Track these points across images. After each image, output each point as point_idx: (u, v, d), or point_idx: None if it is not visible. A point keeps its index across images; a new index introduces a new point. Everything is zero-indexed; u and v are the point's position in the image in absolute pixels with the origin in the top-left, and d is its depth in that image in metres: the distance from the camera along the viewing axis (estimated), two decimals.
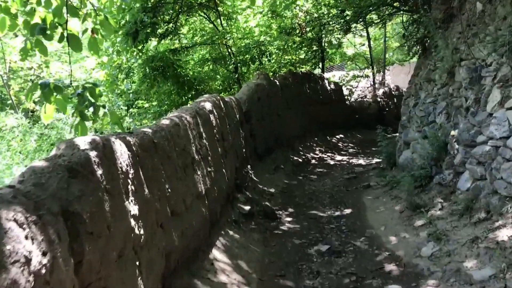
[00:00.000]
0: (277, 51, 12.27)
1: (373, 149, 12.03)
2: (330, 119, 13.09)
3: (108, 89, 11.64)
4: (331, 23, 10.69)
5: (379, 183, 7.59)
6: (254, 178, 7.42)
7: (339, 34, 11.93)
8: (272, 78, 10.26)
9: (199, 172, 4.21)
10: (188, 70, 11.79)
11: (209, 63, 12.14)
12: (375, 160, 10.14)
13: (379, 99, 14.92)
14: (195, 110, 4.74)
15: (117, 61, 10.56)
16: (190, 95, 11.38)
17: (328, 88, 13.11)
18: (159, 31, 11.47)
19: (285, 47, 11.86)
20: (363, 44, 19.31)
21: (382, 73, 17.38)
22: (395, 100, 15.78)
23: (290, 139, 10.52)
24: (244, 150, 7.44)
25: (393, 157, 8.19)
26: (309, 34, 12.49)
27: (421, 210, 5.18)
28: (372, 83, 17.92)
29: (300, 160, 10.00)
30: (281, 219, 5.92)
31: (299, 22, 12.12)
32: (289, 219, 5.96)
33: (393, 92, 15.82)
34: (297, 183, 8.12)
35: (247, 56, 10.86)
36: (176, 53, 11.38)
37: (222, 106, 6.06)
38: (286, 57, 12.82)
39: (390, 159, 8.22)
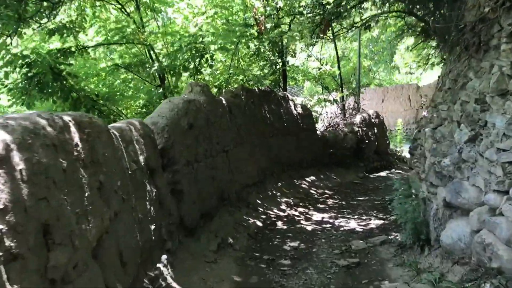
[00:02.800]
0: (224, 57, 8.83)
1: (360, 198, 8.77)
2: (298, 156, 9.74)
3: None
4: (304, 12, 7.46)
5: (413, 282, 4.18)
6: (174, 286, 3.76)
7: (311, 39, 8.73)
8: (216, 95, 6.79)
9: None
10: (90, 82, 8.04)
11: (123, 72, 8.45)
12: (374, 222, 6.79)
13: (356, 128, 11.84)
14: None
15: None
16: None
17: (295, 112, 9.83)
18: (49, 23, 7.75)
19: (237, 47, 8.38)
20: (320, 68, 16.31)
21: (356, 96, 14.44)
22: (375, 130, 12.77)
23: (244, 190, 7.02)
24: (153, 228, 3.80)
25: (424, 229, 4.84)
26: (268, 37, 9.19)
27: None
28: (341, 108, 14.93)
29: (259, 223, 6.45)
30: None
31: (256, 16, 8.86)
32: None
33: (373, 120, 12.84)
34: (259, 280, 4.52)
35: (176, 61, 7.32)
36: (69, 56, 7.63)
37: (78, 143, 2.43)
38: (237, 71, 9.38)
39: (419, 233, 4.85)
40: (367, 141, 12.01)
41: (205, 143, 5.65)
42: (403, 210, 5.15)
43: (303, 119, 10.12)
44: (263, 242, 5.80)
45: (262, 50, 9.74)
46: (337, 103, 15.40)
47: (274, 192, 8.05)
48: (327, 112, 14.08)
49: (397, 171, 12.75)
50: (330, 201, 8.44)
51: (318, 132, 10.69)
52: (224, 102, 6.76)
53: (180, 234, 4.71)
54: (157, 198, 4.18)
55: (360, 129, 12.00)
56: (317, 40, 10.69)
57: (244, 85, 8.87)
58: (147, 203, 3.85)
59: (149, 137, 4.31)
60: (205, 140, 5.70)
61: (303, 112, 10.19)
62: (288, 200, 7.97)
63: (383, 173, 12.24)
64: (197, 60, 7.46)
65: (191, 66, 7.49)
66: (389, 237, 5.73)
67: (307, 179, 9.63)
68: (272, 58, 10.76)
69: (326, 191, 9.30)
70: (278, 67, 12.04)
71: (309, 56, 12.35)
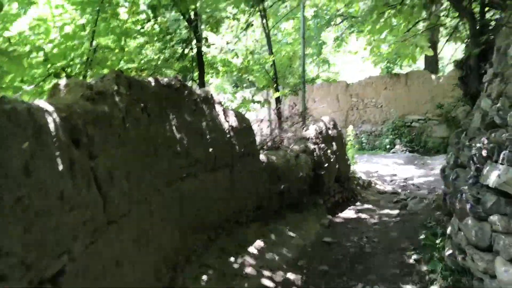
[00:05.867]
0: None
1: None
2: (233, 205, 5.59)
3: None
4: None
5: None
6: None
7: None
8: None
9: None
10: None
11: None
12: None
13: (312, 146, 7.99)
14: None
15: None
16: None
17: (226, 125, 5.60)
18: None
19: None
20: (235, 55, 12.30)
21: (301, 96, 10.62)
22: (334, 146, 9.03)
23: None
24: None
25: None
26: None
27: None
28: (277, 113, 11.05)
29: None
30: None
31: None
32: None
33: (330, 132, 9.08)
34: None
35: None
36: None
37: None
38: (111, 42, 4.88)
39: None
40: (326, 165, 8.22)
41: None
42: None
43: (239, 136, 5.93)
44: None
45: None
46: (269, 106, 11.51)
47: None
48: (260, 119, 10.02)
49: (365, 206, 9.18)
50: None
51: (262, 156, 6.56)
52: (54, 117, 2.31)
53: None
54: None
55: (316, 146, 8.17)
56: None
57: (126, 71, 4.45)
58: None
59: None
60: None
61: (238, 125, 5.99)
62: None
63: (350, 213, 8.56)
64: None
65: None
66: None
67: (252, 249, 5.47)
68: (177, 29, 6.43)
69: (289, 275, 5.21)
70: (188, 50, 7.73)
71: (249, 25, 8.20)
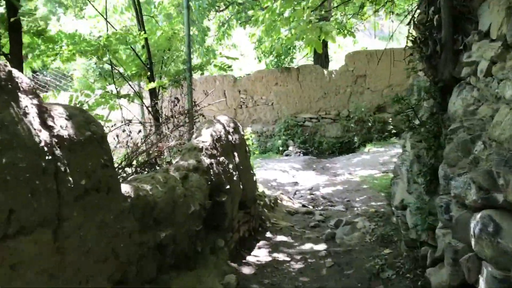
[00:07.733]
0: None
1: None
2: None
3: None
4: None
5: None
6: None
7: None
8: None
9: None
10: None
11: None
12: None
13: (207, 160, 5.47)
14: None
15: None
16: None
17: (43, 136, 2.82)
18: None
19: None
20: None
21: (187, 88, 7.97)
22: (237, 157, 6.59)
23: None
24: None
25: None
26: None
27: None
28: (152, 111, 8.30)
29: None
30: None
31: None
32: None
33: (231, 137, 6.62)
34: None
35: None
36: None
37: None
38: None
39: None
40: (228, 187, 5.75)
41: None
42: None
43: (76, 156, 3.14)
44: None
45: None
46: (143, 103, 8.70)
47: None
48: (128, 121, 7.11)
49: (278, 238, 6.89)
50: None
51: (125, 187, 3.82)
52: None
53: None
54: None
55: (214, 160, 5.65)
56: None
57: None
58: None
59: None
60: None
61: (75, 134, 3.20)
62: None
63: (262, 253, 6.20)
64: None
65: None
66: None
67: None
68: None
69: None
70: None
71: None
